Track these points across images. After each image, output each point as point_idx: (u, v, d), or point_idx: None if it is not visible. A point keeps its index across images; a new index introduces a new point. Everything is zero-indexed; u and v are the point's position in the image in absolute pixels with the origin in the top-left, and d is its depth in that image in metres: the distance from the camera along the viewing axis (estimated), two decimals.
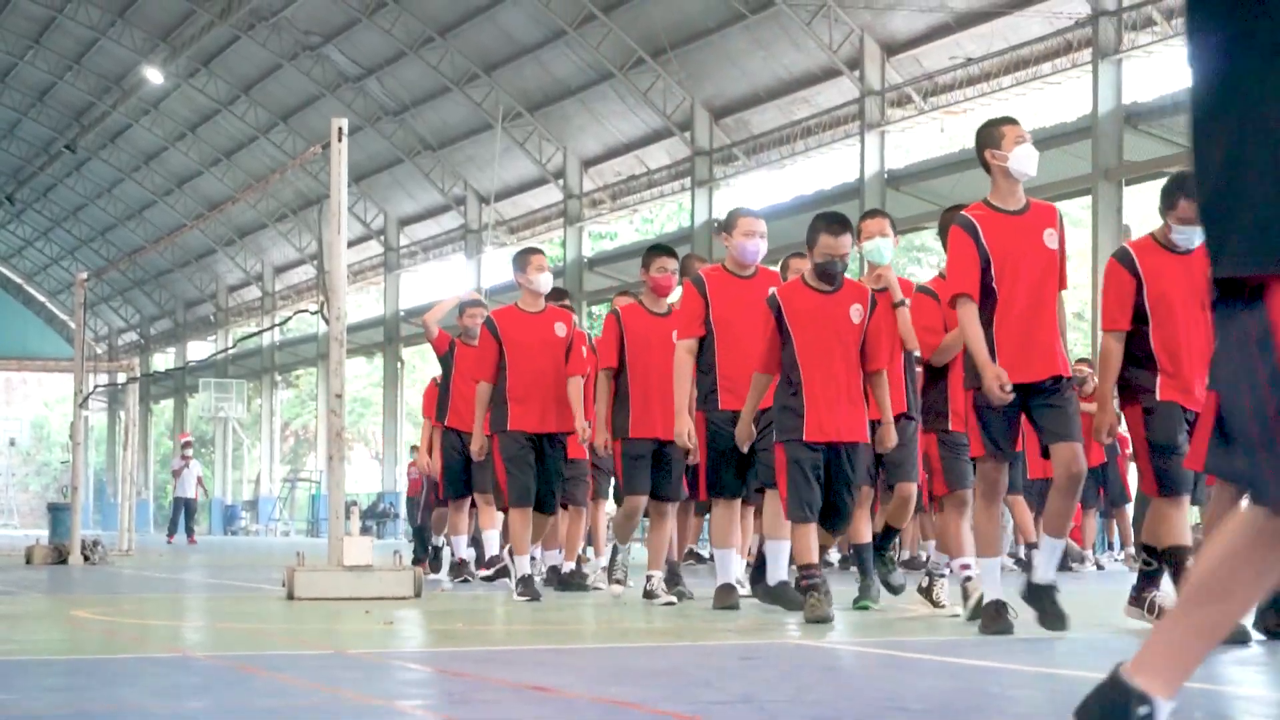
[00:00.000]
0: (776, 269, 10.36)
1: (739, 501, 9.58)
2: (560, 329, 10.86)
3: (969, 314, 7.38)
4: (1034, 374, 7.39)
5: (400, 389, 48.68)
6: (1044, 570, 7.49)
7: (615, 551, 11.43)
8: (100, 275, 46.73)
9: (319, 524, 45.62)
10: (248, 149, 46.68)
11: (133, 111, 47.75)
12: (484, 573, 12.91)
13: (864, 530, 9.58)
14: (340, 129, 11.19)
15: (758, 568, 9.74)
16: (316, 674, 5.73)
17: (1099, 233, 25.33)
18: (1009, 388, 7.24)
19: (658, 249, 10.61)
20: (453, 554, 14.16)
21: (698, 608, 9.73)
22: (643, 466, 10.23)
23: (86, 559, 18.04)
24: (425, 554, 15.65)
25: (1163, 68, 28.57)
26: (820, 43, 29.84)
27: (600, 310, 37.32)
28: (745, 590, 10.23)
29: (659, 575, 10.15)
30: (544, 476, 10.76)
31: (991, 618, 7.50)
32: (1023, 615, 7.60)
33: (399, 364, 48.06)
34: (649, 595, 10.05)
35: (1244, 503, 3.08)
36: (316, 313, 11.39)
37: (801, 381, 8.51)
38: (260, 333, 49.22)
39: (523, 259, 10.97)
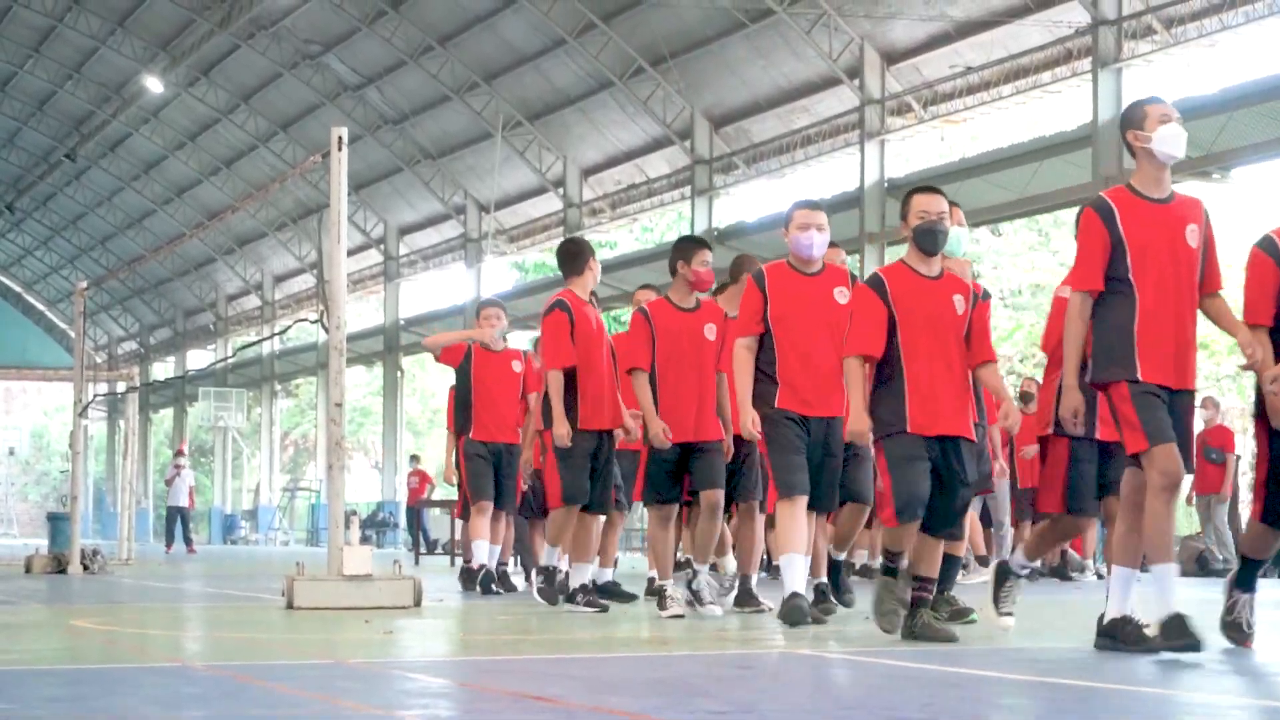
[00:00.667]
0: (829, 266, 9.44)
1: (805, 502, 8.80)
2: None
3: (1081, 312, 7.01)
4: (1180, 380, 6.97)
5: (400, 398, 48.68)
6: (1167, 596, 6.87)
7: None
8: (100, 284, 46.78)
9: (319, 533, 45.59)
10: (247, 158, 46.68)
11: (132, 120, 47.76)
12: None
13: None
14: (340, 138, 11.18)
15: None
16: (316, 684, 5.72)
17: None
18: (1081, 420, 7.04)
19: (696, 241, 10.19)
20: (464, 560, 13.84)
21: (694, 617, 9.71)
22: (671, 472, 9.91)
23: (86, 568, 18.03)
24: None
25: (1163, 77, 28.58)
26: (820, 51, 29.84)
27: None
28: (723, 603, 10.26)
29: (672, 583, 9.86)
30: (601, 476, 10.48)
31: (1176, 632, 6.76)
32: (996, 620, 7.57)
33: (399, 373, 48.05)
34: (659, 599, 9.77)
35: None
36: (316, 321, 11.38)
37: (905, 372, 7.82)
38: (260, 342, 49.18)
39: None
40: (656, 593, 9.84)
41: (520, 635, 8.66)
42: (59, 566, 18.10)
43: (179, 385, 56.99)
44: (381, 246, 46.43)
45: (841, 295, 8.95)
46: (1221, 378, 37.92)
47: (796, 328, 8.87)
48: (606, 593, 11.35)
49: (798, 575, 8.63)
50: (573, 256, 10.69)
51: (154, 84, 42.03)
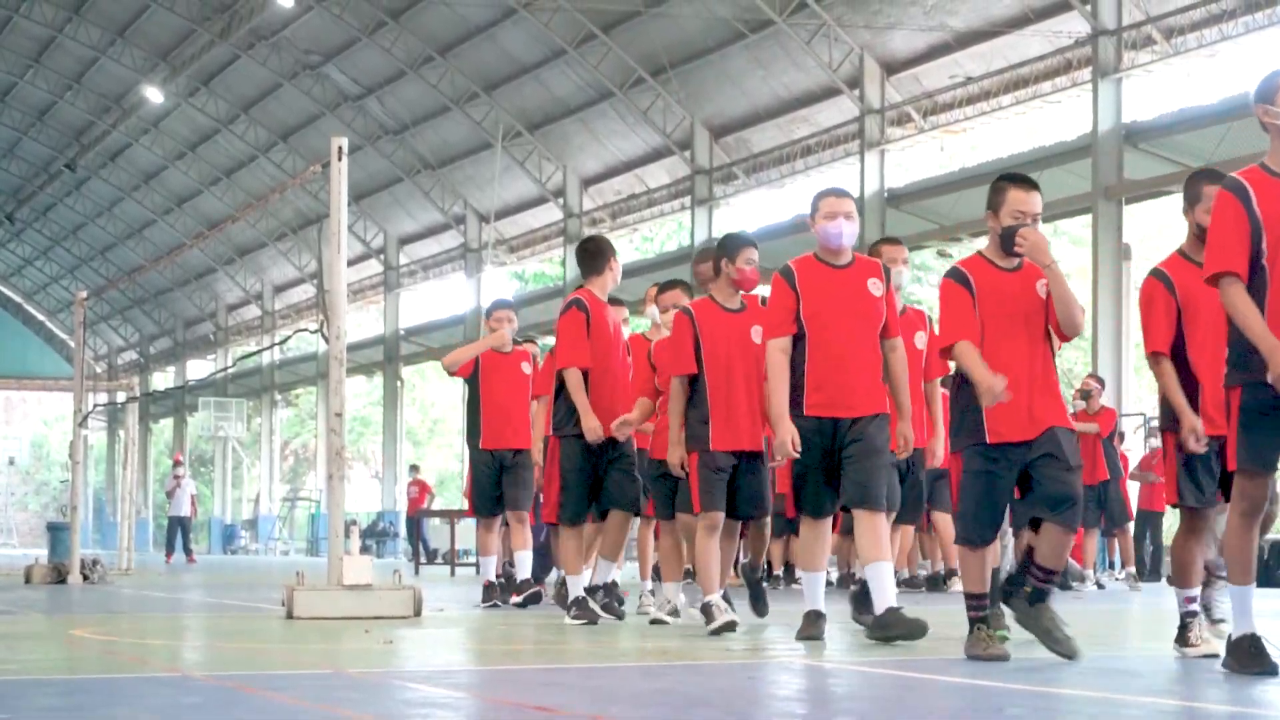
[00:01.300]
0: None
1: (830, 520, 8.43)
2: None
3: (1237, 296, 6.27)
4: None
5: (400, 408, 48.70)
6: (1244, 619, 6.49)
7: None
8: (100, 294, 46.82)
9: (318, 543, 45.57)
10: (247, 168, 46.72)
11: (132, 130, 47.80)
12: (516, 599, 12.40)
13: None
14: (340, 148, 11.18)
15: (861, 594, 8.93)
16: (316, 694, 5.72)
17: (1099, 251, 25.35)
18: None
19: (741, 238, 9.32)
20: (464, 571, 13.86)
21: (695, 628, 9.69)
22: (722, 481, 9.00)
23: (86, 578, 18.00)
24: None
25: (1163, 86, 28.62)
26: (820, 62, 29.86)
27: None
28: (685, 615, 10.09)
29: (717, 597, 9.10)
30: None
31: (1248, 655, 6.42)
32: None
33: (399, 383, 48.06)
34: (707, 613, 9.06)
35: None
36: (316, 331, 11.34)
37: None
38: (260, 351, 49.21)
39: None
40: (704, 610, 9.04)
41: (521, 645, 8.65)
42: (59, 576, 18.08)
43: (179, 395, 57.03)
44: (381, 256, 46.45)
45: (875, 287, 8.34)
46: None
47: (830, 325, 8.22)
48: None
49: (817, 593, 8.37)
50: (593, 255, 10.33)
51: (154, 94, 42.10)
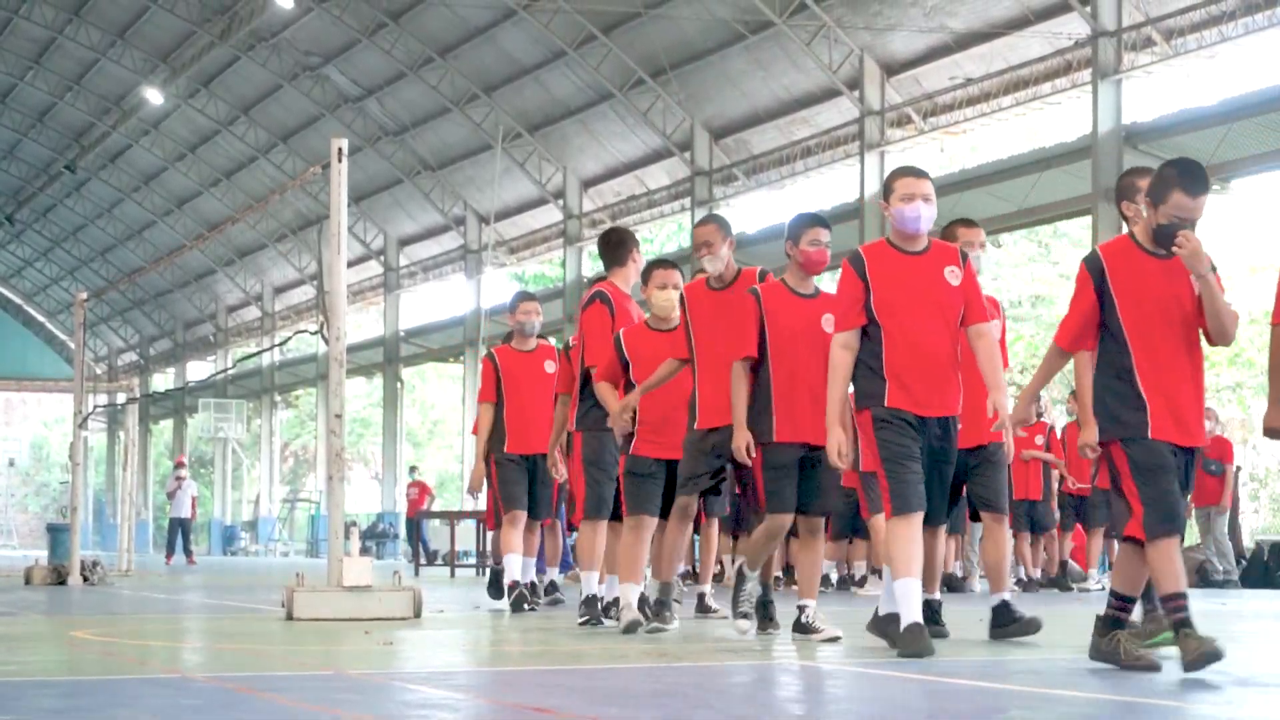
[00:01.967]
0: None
1: (920, 519, 7.69)
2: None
3: None
4: None
5: (400, 409, 48.69)
6: None
7: (742, 579, 8.86)
8: (100, 295, 46.74)
9: (318, 544, 45.57)
10: (247, 169, 46.71)
11: (132, 132, 47.80)
12: (506, 600, 11.94)
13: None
14: (340, 149, 11.18)
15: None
16: (316, 695, 5.72)
17: None
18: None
19: (804, 217, 8.67)
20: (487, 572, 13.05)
21: (688, 632, 9.69)
22: (789, 477, 8.42)
23: (86, 580, 18.01)
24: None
25: (1163, 88, 28.62)
26: (820, 63, 29.86)
27: None
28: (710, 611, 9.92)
29: (813, 605, 8.66)
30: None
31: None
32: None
33: (398, 384, 48.05)
34: (804, 630, 8.57)
35: None
36: (316, 333, 11.33)
37: (1135, 365, 6.76)
38: (260, 353, 49.20)
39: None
40: (799, 618, 8.60)
41: (521, 647, 8.65)
42: (59, 578, 18.09)
43: (179, 396, 57.01)
44: (381, 258, 46.45)
45: (953, 275, 7.76)
46: (1221, 389, 37.90)
47: (906, 316, 7.64)
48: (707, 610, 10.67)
49: (914, 603, 7.51)
50: (614, 246, 10.03)
51: (154, 96, 42.10)
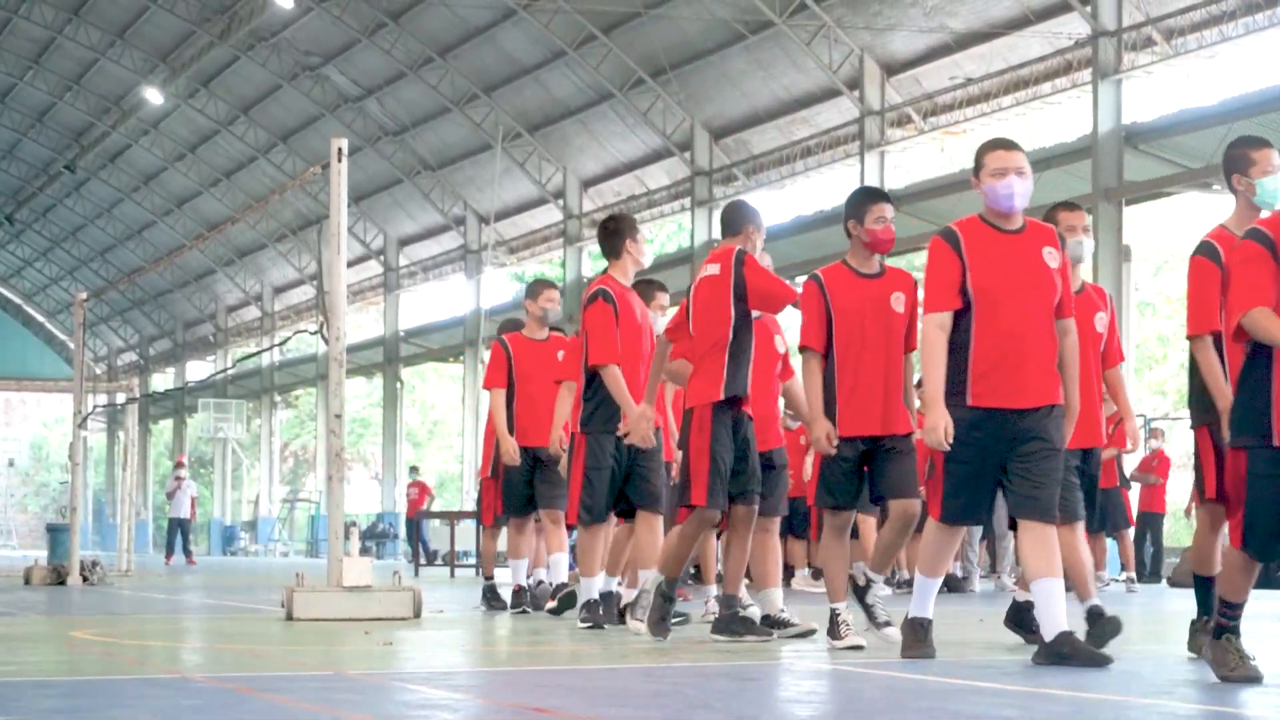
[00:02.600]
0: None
1: (962, 532, 7.47)
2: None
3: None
4: None
5: (400, 409, 48.68)
6: None
7: (868, 587, 8.38)
8: (99, 295, 46.76)
9: (318, 544, 45.58)
10: (247, 169, 46.71)
11: (132, 132, 47.80)
12: (550, 604, 11.32)
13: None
14: (340, 149, 11.18)
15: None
16: (316, 695, 5.71)
17: (1099, 253, 25.30)
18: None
19: (871, 193, 8.32)
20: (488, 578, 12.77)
21: (693, 632, 9.68)
22: (849, 475, 8.02)
23: (85, 580, 18.02)
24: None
25: (1163, 88, 28.63)
26: (820, 63, 29.86)
27: None
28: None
29: (845, 606, 8.22)
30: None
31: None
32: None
33: (398, 384, 48.05)
34: (832, 626, 8.18)
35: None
36: (316, 333, 11.33)
37: (1275, 358, 6.09)
38: (260, 353, 49.20)
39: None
40: (831, 618, 8.16)
41: (520, 647, 8.65)
42: (58, 578, 18.09)
43: (179, 396, 57.00)
44: (381, 258, 46.45)
45: (1051, 258, 7.23)
46: None
47: (1003, 299, 7.10)
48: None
49: (927, 602, 7.35)
50: (610, 235, 9.74)
51: (154, 96, 42.08)
